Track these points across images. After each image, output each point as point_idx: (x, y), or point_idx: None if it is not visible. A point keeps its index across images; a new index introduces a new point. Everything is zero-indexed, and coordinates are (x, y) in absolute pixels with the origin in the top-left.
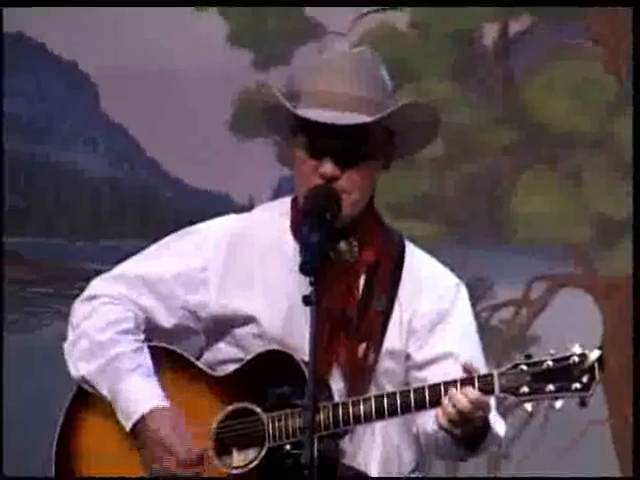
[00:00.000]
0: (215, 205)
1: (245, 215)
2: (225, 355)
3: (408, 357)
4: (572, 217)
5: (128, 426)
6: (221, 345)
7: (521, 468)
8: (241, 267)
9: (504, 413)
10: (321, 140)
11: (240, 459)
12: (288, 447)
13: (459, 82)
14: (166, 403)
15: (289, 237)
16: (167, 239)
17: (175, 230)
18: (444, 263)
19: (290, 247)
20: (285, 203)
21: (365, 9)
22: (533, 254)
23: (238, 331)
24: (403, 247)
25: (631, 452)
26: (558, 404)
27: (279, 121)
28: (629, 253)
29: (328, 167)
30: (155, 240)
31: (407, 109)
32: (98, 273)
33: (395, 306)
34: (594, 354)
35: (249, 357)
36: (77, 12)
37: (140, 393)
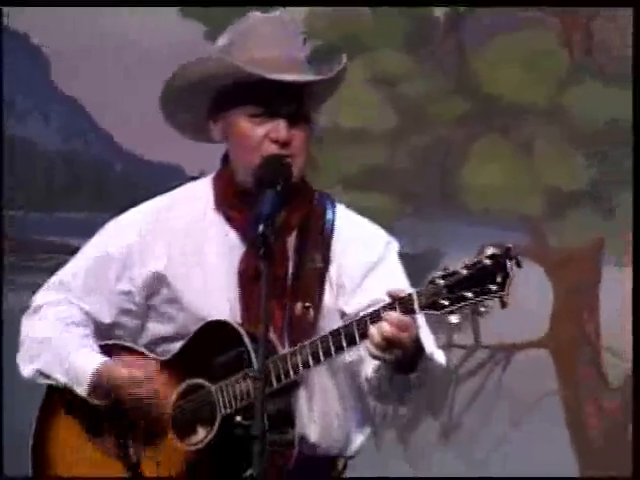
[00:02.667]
0: (168, 177)
1: (168, 194)
2: (156, 334)
3: (344, 313)
4: (524, 188)
5: (84, 390)
6: (149, 325)
7: (473, 438)
8: (162, 241)
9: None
10: (273, 103)
11: (199, 435)
12: (239, 418)
13: (411, 54)
14: (107, 360)
15: (211, 211)
16: (96, 236)
17: (128, 202)
18: (396, 234)
19: (213, 221)
20: (207, 180)
21: None
22: (485, 225)
23: (156, 301)
24: (334, 209)
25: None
26: (482, 308)
27: (202, 98)
28: (581, 224)
29: (283, 131)
30: (109, 213)
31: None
32: (52, 244)
33: (329, 264)
34: (502, 250)
35: (189, 336)
36: None
37: (87, 360)
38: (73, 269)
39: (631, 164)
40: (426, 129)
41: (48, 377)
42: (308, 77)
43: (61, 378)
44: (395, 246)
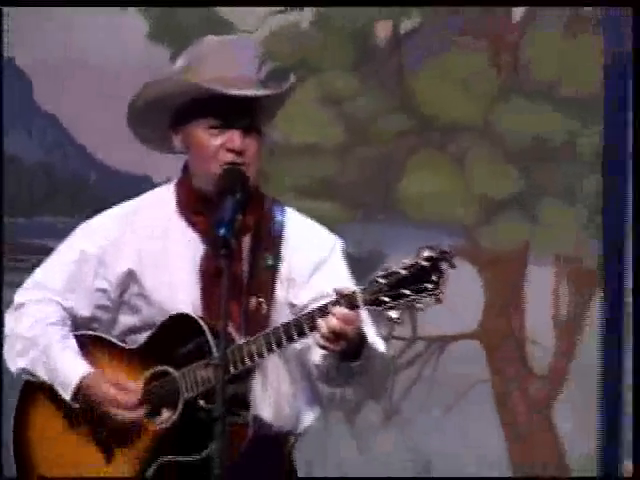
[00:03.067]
0: (137, 186)
1: (136, 199)
2: (127, 326)
3: (293, 305)
4: (458, 197)
5: (68, 395)
6: (120, 317)
7: (411, 422)
8: (132, 242)
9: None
10: (229, 117)
11: (164, 416)
12: (202, 402)
13: (357, 75)
14: (91, 371)
15: (175, 216)
16: (70, 237)
17: (101, 207)
18: (344, 238)
19: (176, 224)
20: (170, 186)
21: (271, 9)
22: (423, 229)
23: (127, 296)
24: (283, 212)
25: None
26: (419, 306)
27: (164, 113)
28: (509, 229)
29: (237, 141)
30: (84, 217)
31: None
32: (32, 246)
33: (280, 261)
34: (438, 252)
35: (156, 327)
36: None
37: (72, 366)
38: (51, 268)
39: (557, 175)
40: (370, 144)
41: (33, 375)
42: (259, 92)
43: (46, 378)
44: (340, 245)
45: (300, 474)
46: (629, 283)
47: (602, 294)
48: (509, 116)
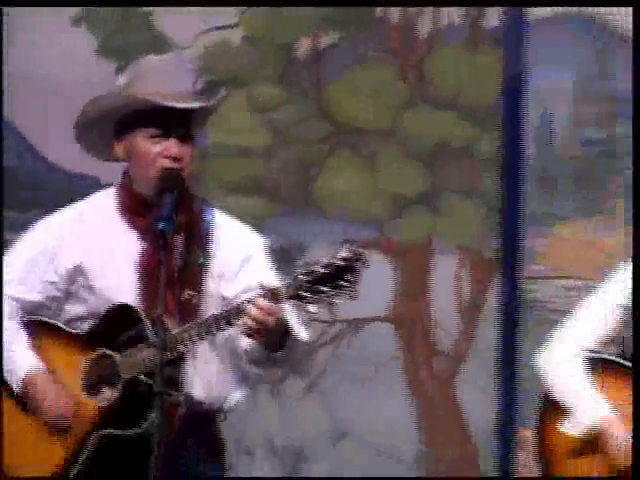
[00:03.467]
0: (86, 186)
1: (82, 201)
2: (72, 314)
3: (224, 298)
4: (370, 193)
5: (16, 387)
6: (66, 307)
7: (330, 396)
8: (74, 240)
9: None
10: (167, 127)
11: (105, 394)
12: (141, 382)
13: (281, 86)
14: (39, 367)
15: (117, 217)
16: (25, 235)
17: (54, 207)
18: (268, 230)
19: (118, 223)
20: (112, 190)
21: (205, 27)
22: (339, 223)
23: (74, 287)
24: (212, 212)
25: None
26: (335, 300)
27: (108, 124)
28: (416, 222)
29: (175, 149)
30: (39, 215)
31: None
32: None
33: (210, 258)
34: (354, 254)
35: (100, 316)
36: None
37: (21, 361)
38: (11, 261)
39: (458, 174)
40: (292, 147)
41: None
42: (194, 105)
43: (6, 367)
44: (263, 243)
45: (230, 445)
46: (523, 272)
47: (499, 282)
48: (415, 122)
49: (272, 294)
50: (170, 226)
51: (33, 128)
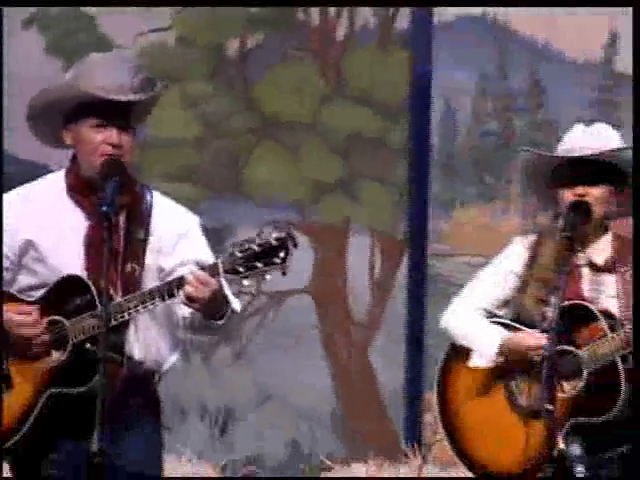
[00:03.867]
0: (37, 171)
1: (33, 182)
2: (24, 284)
3: (162, 269)
4: (293, 180)
5: None
6: (19, 277)
7: (256, 362)
8: (26, 217)
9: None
10: (108, 117)
11: (55, 357)
12: (88, 345)
13: (211, 83)
14: None
15: (64, 195)
16: None
17: (7, 189)
18: (202, 213)
19: (66, 203)
20: (60, 173)
21: (143, 29)
22: (265, 207)
23: (25, 260)
24: (151, 194)
25: None
26: (268, 277)
27: (56, 113)
28: (334, 206)
29: (115, 137)
30: None
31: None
32: None
33: (150, 234)
34: (286, 234)
35: (50, 285)
36: None
37: None
38: None
39: (372, 163)
40: (222, 138)
41: None
42: (132, 97)
43: None
44: (197, 221)
45: (167, 406)
46: (429, 251)
47: (408, 259)
48: (333, 116)
49: (211, 268)
50: (112, 209)
51: None
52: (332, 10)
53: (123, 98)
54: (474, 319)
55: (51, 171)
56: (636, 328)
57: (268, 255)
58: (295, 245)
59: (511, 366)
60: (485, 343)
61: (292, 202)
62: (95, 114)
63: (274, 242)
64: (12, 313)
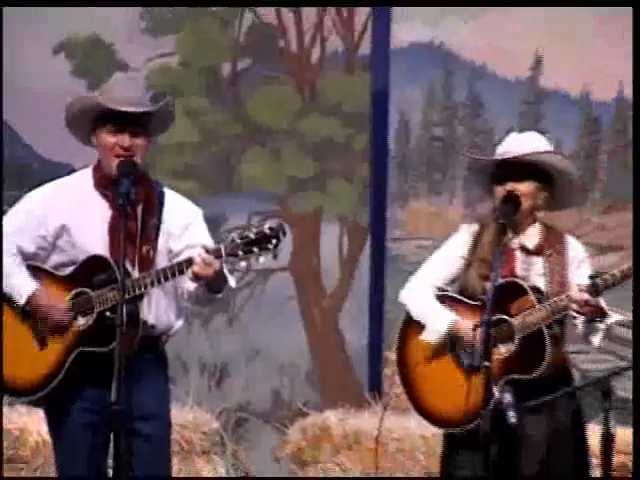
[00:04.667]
0: (63, 170)
1: (65, 177)
2: (56, 262)
3: (170, 251)
4: (275, 177)
5: (22, 300)
6: (52, 257)
7: (247, 327)
8: (61, 206)
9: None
10: (119, 124)
11: (83, 321)
12: (108, 313)
13: (208, 98)
14: (38, 288)
15: (92, 190)
16: (21, 201)
17: (40, 184)
18: (200, 205)
19: (93, 195)
20: (88, 170)
21: (154, 55)
22: (252, 199)
23: (59, 242)
24: (162, 189)
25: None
26: (261, 259)
27: (86, 119)
28: (309, 198)
29: (126, 141)
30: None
31: (167, 105)
32: None
33: (162, 222)
34: (278, 225)
35: (80, 262)
36: None
37: (24, 282)
38: (11, 218)
39: (341, 163)
40: (218, 142)
41: None
42: (139, 109)
43: (6, 290)
44: (200, 213)
45: (172, 362)
46: (388, 235)
47: (370, 242)
48: (308, 125)
49: (215, 251)
50: (126, 202)
51: (25, 127)
52: (307, 38)
53: (132, 109)
54: (428, 300)
55: (75, 170)
56: (636, 326)
57: (262, 242)
58: (284, 234)
59: (454, 341)
60: (436, 325)
61: (274, 195)
62: (111, 122)
63: (268, 231)
64: (45, 298)
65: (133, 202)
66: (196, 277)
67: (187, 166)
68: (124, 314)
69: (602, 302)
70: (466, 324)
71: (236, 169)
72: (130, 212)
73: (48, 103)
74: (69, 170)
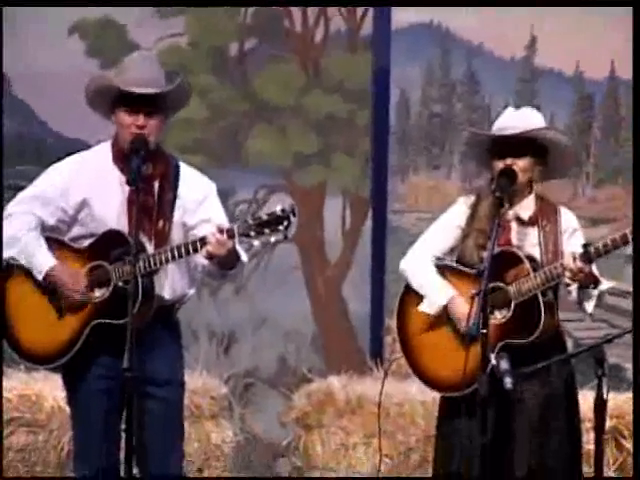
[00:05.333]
0: (79, 148)
1: (85, 151)
2: (76, 234)
3: (185, 224)
4: (281, 152)
5: (41, 277)
6: (73, 229)
7: (253, 296)
8: (82, 180)
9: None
10: (135, 105)
11: (99, 294)
12: (122, 285)
13: (217, 76)
14: (57, 263)
15: (111, 163)
16: (44, 174)
17: (56, 160)
18: (211, 179)
19: (112, 169)
20: (107, 144)
21: (164, 35)
22: (260, 173)
23: (80, 216)
24: (178, 163)
25: None
26: (272, 239)
27: (103, 99)
28: (314, 172)
29: (141, 120)
30: (45, 167)
31: (180, 85)
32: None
33: (177, 197)
34: (289, 207)
35: (97, 235)
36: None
37: (43, 258)
38: (33, 191)
39: (343, 138)
40: (226, 118)
41: (17, 261)
42: (152, 90)
43: (25, 264)
44: (214, 186)
45: (182, 330)
46: (388, 208)
47: (372, 214)
48: (313, 101)
49: (228, 231)
50: (138, 178)
51: (41, 105)
52: (311, 18)
53: (145, 91)
54: (427, 271)
55: (89, 145)
56: (636, 323)
57: (274, 223)
58: (295, 215)
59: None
60: (434, 298)
61: (280, 169)
62: (126, 102)
63: (280, 213)
64: (62, 274)
65: (149, 177)
66: (210, 256)
67: (196, 141)
68: (139, 287)
69: (595, 270)
70: (462, 300)
71: (243, 144)
72: (146, 187)
73: (63, 82)
74: (83, 146)
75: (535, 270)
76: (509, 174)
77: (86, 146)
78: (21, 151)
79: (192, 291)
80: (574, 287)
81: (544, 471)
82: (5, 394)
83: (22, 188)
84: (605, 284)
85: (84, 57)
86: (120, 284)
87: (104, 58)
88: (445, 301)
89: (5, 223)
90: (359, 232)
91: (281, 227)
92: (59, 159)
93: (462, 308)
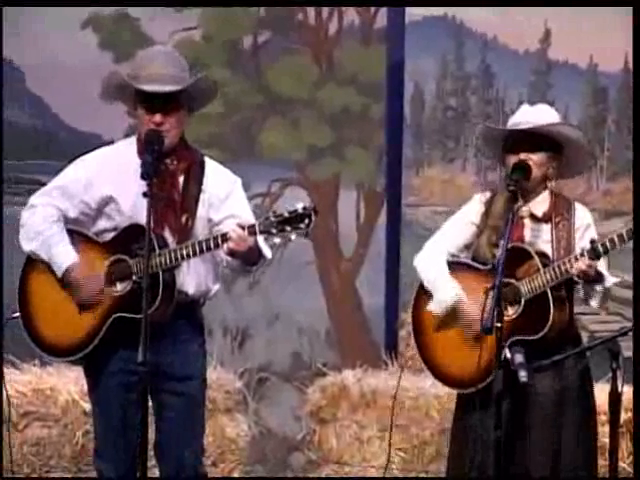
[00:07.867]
0: (93, 141)
1: (110, 146)
2: (101, 227)
3: (210, 220)
4: (295, 145)
5: (60, 273)
6: (98, 222)
7: (267, 290)
8: (107, 174)
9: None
10: (152, 102)
11: (120, 287)
12: (135, 278)
13: (231, 69)
14: (77, 260)
15: (135, 157)
16: (70, 166)
17: (70, 155)
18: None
19: (136, 163)
20: (132, 139)
21: (178, 28)
22: (273, 166)
23: (106, 209)
24: (202, 157)
25: None
26: (293, 236)
27: (125, 94)
28: (327, 165)
29: (157, 117)
30: (58, 161)
31: (199, 81)
32: (24, 179)
33: (202, 192)
34: (310, 206)
35: (120, 229)
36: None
37: (64, 254)
38: (56, 183)
39: (357, 131)
40: (240, 112)
41: (38, 256)
42: (166, 88)
43: (46, 259)
44: (239, 181)
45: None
46: (403, 201)
47: (386, 208)
48: (326, 94)
49: (250, 228)
50: (151, 172)
51: (55, 98)
52: (325, 11)
53: (159, 89)
54: (439, 269)
55: (104, 140)
56: (636, 320)
57: (295, 221)
58: (317, 214)
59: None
60: (442, 298)
61: (294, 163)
62: (145, 99)
63: (301, 211)
64: (83, 270)
65: (173, 172)
66: (231, 252)
67: (210, 135)
68: (160, 282)
69: (600, 266)
70: (469, 301)
71: (257, 137)
72: (171, 181)
73: (77, 75)
74: (97, 139)
75: (546, 266)
76: (523, 168)
77: (99, 139)
78: (35, 145)
79: (217, 287)
80: (580, 283)
81: (559, 464)
82: (20, 388)
83: (36, 181)
84: (609, 280)
85: (98, 50)
86: (141, 279)
87: (118, 51)
88: (452, 301)
89: (27, 214)
90: (373, 226)
91: (302, 225)
92: (72, 152)
93: (469, 309)
